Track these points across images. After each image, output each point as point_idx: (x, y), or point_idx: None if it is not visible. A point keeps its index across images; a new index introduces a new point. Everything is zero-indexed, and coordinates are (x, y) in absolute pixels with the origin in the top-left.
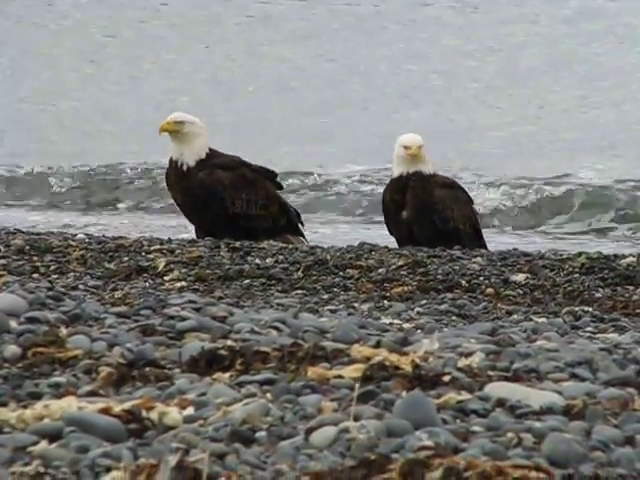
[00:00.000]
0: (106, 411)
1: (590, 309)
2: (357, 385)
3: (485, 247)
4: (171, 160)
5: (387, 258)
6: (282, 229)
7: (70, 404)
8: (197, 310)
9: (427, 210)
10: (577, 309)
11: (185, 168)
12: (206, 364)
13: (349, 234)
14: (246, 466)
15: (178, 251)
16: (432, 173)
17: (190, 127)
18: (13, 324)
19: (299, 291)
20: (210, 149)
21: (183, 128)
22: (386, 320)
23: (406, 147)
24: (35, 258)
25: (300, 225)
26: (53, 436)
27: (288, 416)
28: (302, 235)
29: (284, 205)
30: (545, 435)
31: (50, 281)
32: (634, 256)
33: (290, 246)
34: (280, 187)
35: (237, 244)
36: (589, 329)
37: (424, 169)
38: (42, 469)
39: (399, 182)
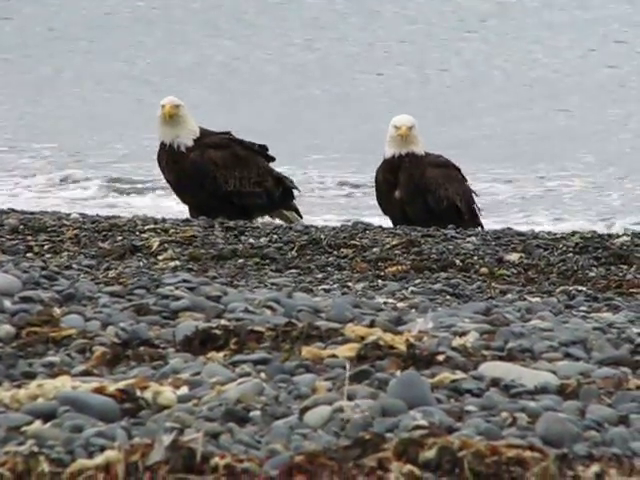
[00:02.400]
0: (100, 390)
1: (584, 288)
2: (347, 368)
3: (481, 226)
4: (163, 143)
5: (381, 237)
6: (277, 205)
7: (64, 383)
8: (191, 289)
9: (420, 191)
10: (571, 288)
11: (183, 149)
12: (200, 343)
13: None
14: (240, 445)
15: (172, 230)
16: (424, 154)
17: (184, 110)
18: (7, 303)
19: (293, 270)
20: (200, 128)
21: (180, 111)
22: (380, 299)
23: (396, 127)
24: (29, 237)
25: (297, 190)
26: (47, 416)
27: (282, 395)
28: (297, 210)
29: (278, 177)
30: (539, 415)
31: (44, 260)
32: (628, 235)
33: (284, 225)
34: (272, 159)
35: (231, 223)
36: (583, 308)
37: (416, 150)
38: (36, 449)
39: (392, 162)
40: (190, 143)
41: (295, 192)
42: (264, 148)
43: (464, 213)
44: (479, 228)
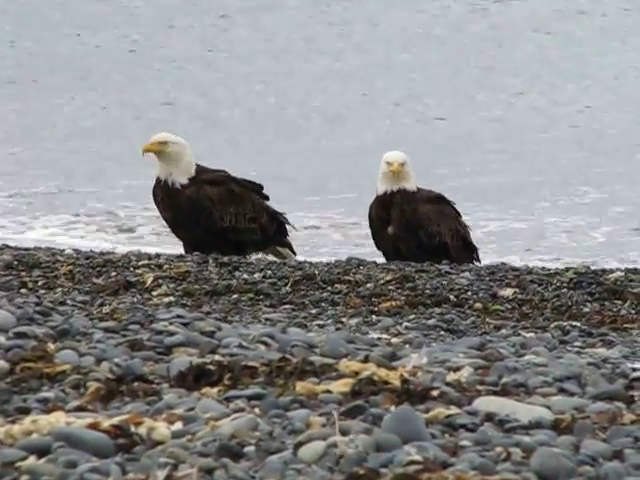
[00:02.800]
0: (94, 426)
1: (578, 324)
2: (335, 413)
3: (478, 260)
4: (158, 179)
5: (375, 273)
6: (271, 241)
7: (58, 419)
8: (185, 325)
9: (412, 227)
10: (565, 324)
11: (177, 186)
12: (194, 379)
13: None
14: None
15: (166, 266)
16: (416, 189)
17: (174, 147)
18: (1, 339)
19: (287, 306)
20: (197, 165)
21: (167, 148)
22: (374, 335)
23: (388, 163)
24: (23, 273)
25: (292, 228)
26: (41, 451)
27: (277, 431)
28: (290, 247)
29: (272, 215)
30: (534, 449)
31: (38, 296)
32: (622, 271)
33: (278, 260)
34: (267, 198)
35: (225, 259)
36: (577, 344)
37: (408, 186)
38: None
39: (384, 199)
40: (184, 181)
41: (289, 228)
42: (259, 186)
43: (452, 251)
44: (475, 263)
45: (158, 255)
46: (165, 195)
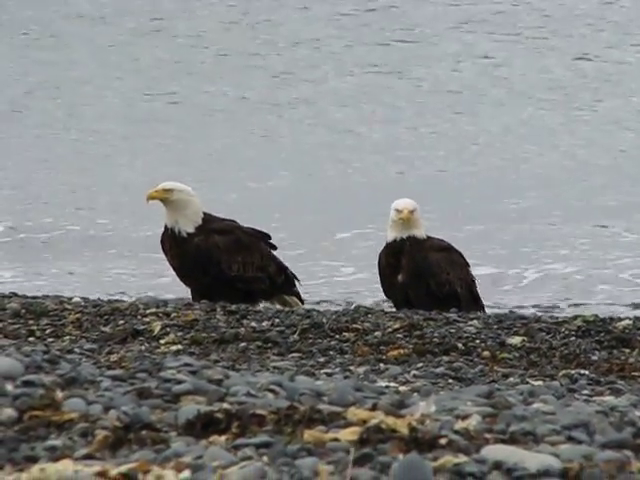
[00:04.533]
0: (102, 474)
1: (586, 372)
2: (352, 451)
3: (483, 309)
4: (166, 227)
5: (383, 321)
6: (279, 290)
7: (66, 467)
8: (193, 373)
9: (423, 275)
10: (573, 372)
11: (183, 235)
12: (202, 427)
13: None
14: None
15: (174, 314)
16: (426, 237)
17: (179, 194)
18: (9, 387)
19: (295, 354)
20: (205, 213)
21: (172, 195)
22: (382, 383)
23: (398, 211)
24: (31, 321)
25: (297, 282)
26: None
27: (285, 479)
28: (298, 295)
29: (281, 264)
30: None
31: (46, 344)
32: (630, 319)
33: (286, 309)
34: (274, 248)
35: (233, 307)
36: (585, 392)
37: (417, 233)
38: None
39: (394, 246)
40: (191, 229)
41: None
42: (267, 236)
43: (462, 299)
44: (481, 311)
45: (166, 303)
46: (173, 243)
